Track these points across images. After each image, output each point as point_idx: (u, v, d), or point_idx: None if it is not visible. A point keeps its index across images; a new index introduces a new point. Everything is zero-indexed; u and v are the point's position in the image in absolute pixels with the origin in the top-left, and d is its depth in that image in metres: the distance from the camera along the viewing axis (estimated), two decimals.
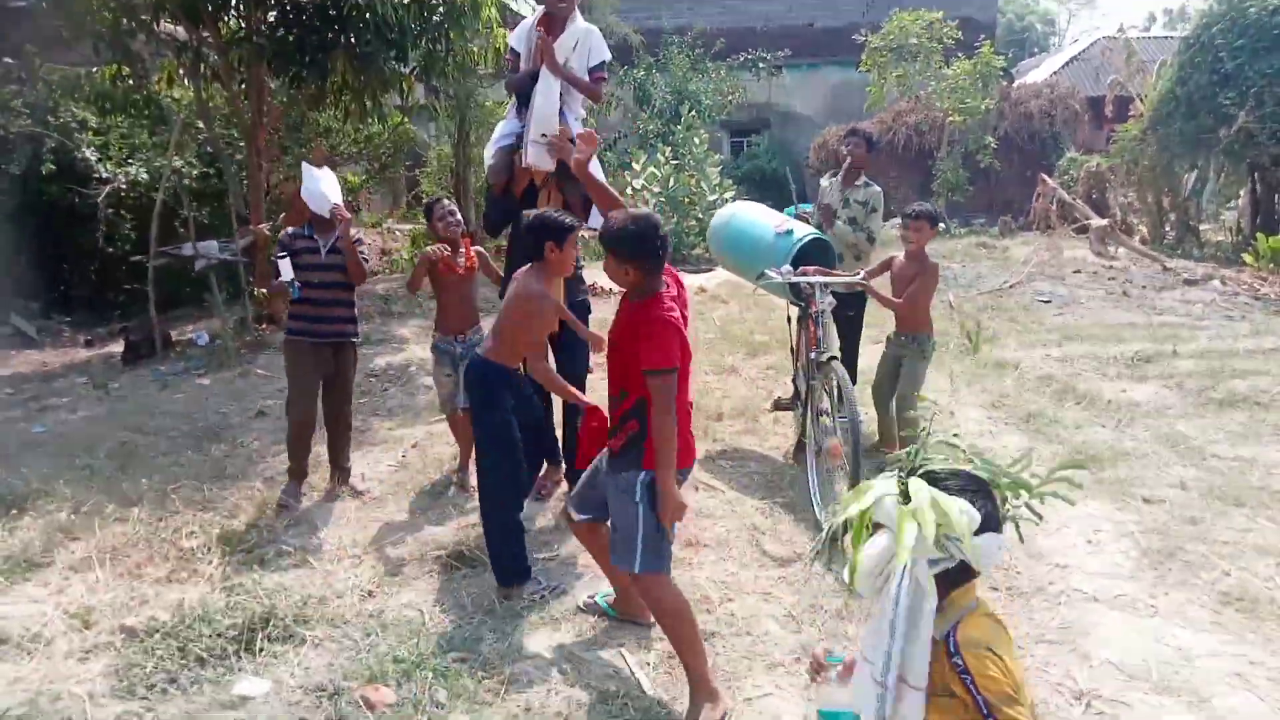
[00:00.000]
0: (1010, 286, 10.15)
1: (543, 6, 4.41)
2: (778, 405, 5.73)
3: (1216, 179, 15.40)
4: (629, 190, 13.68)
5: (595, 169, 4.06)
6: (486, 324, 4.39)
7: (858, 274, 4.90)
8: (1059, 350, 7.30)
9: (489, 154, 4.62)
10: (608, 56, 4.35)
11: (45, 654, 3.22)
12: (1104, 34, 26.80)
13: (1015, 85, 21.59)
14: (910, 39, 15.97)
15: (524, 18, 6.11)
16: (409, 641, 3.27)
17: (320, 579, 3.83)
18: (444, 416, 5.15)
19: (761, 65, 20.13)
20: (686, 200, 13.26)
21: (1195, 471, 4.78)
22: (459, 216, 4.81)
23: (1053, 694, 2.97)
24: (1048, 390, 6.25)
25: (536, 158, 4.28)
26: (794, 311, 5.22)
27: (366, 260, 4.58)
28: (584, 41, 4.25)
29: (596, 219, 4.24)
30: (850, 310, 5.39)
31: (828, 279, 4.77)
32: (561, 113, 4.24)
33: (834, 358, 4.47)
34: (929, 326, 4.98)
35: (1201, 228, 15.21)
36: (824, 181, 5.98)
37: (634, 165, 13.73)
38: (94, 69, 9.16)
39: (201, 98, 8.76)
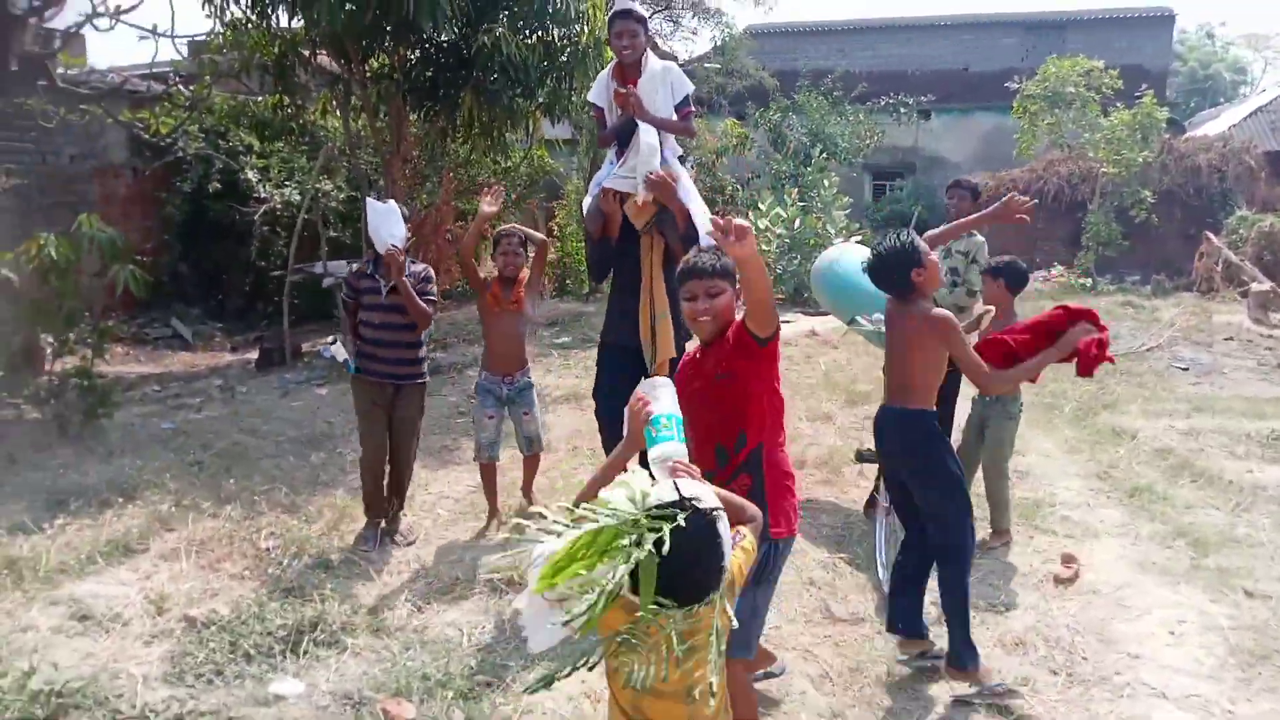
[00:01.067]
0: (1147, 350, 9.48)
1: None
2: (860, 457, 5.56)
3: None
4: (756, 229, 13.67)
5: (689, 199, 4.12)
6: (538, 365, 4.35)
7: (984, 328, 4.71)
8: (1185, 422, 6.76)
9: (587, 201, 4.49)
10: (691, 89, 4.24)
11: (120, 634, 3.51)
12: None
13: (1184, 138, 20.29)
14: (1066, 87, 15.25)
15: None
16: (441, 660, 3.37)
17: (376, 589, 4.01)
18: (482, 461, 4.75)
19: (904, 109, 19.68)
20: (811, 242, 13.11)
21: None
22: (523, 252, 4.66)
23: None
24: (1162, 464, 5.80)
25: (625, 187, 4.14)
26: None
27: (433, 301, 4.43)
28: (664, 80, 4.15)
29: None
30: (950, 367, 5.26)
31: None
32: (665, 155, 4.16)
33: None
34: (1015, 387, 4.70)
35: None
36: (929, 233, 5.85)
37: (760, 205, 13.71)
38: (259, 98, 9.99)
39: (349, 127, 9.40)
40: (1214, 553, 4.47)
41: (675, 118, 4.23)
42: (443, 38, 7.86)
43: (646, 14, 4.24)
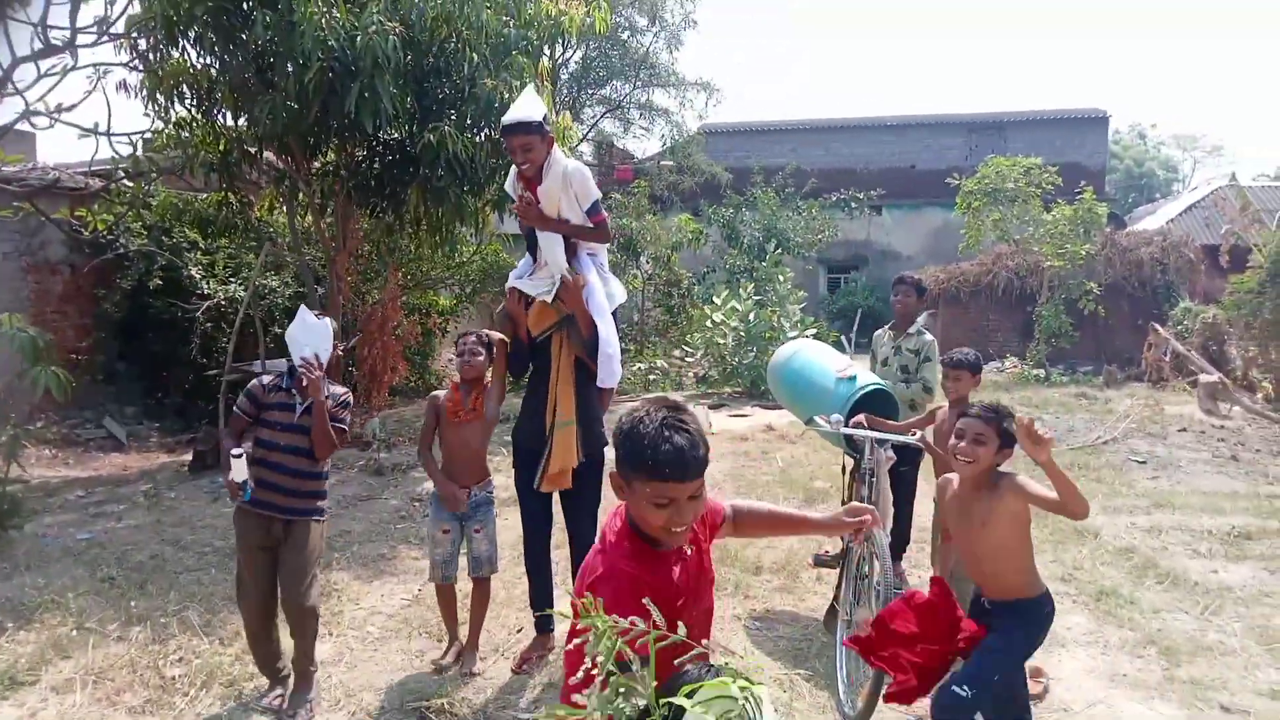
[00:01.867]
0: (1104, 443, 9.45)
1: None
2: (819, 561, 5.32)
3: None
4: (709, 324, 13.69)
5: (594, 307, 4.00)
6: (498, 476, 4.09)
7: (915, 433, 4.49)
8: (1147, 519, 6.64)
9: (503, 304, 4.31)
10: (596, 196, 3.97)
11: None
12: (1225, 183, 25.97)
13: (1125, 232, 20.98)
14: (1007, 184, 15.73)
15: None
16: None
17: None
18: (431, 582, 4.37)
19: (854, 204, 20.19)
20: (767, 335, 13.12)
21: None
22: (482, 355, 4.17)
23: None
24: (1126, 564, 5.64)
25: (535, 291, 4.02)
26: (849, 461, 4.85)
27: (343, 430, 3.78)
28: (568, 187, 3.86)
29: (604, 372, 4.07)
30: (904, 465, 5.08)
31: (879, 433, 4.46)
32: (577, 256, 4.04)
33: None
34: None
35: None
36: (878, 332, 5.79)
37: (715, 299, 13.74)
38: (203, 195, 9.84)
39: (295, 224, 9.26)
40: (1186, 663, 4.27)
41: (587, 221, 3.98)
42: (389, 135, 7.81)
43: (541, 117, 3.83)
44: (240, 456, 3.57)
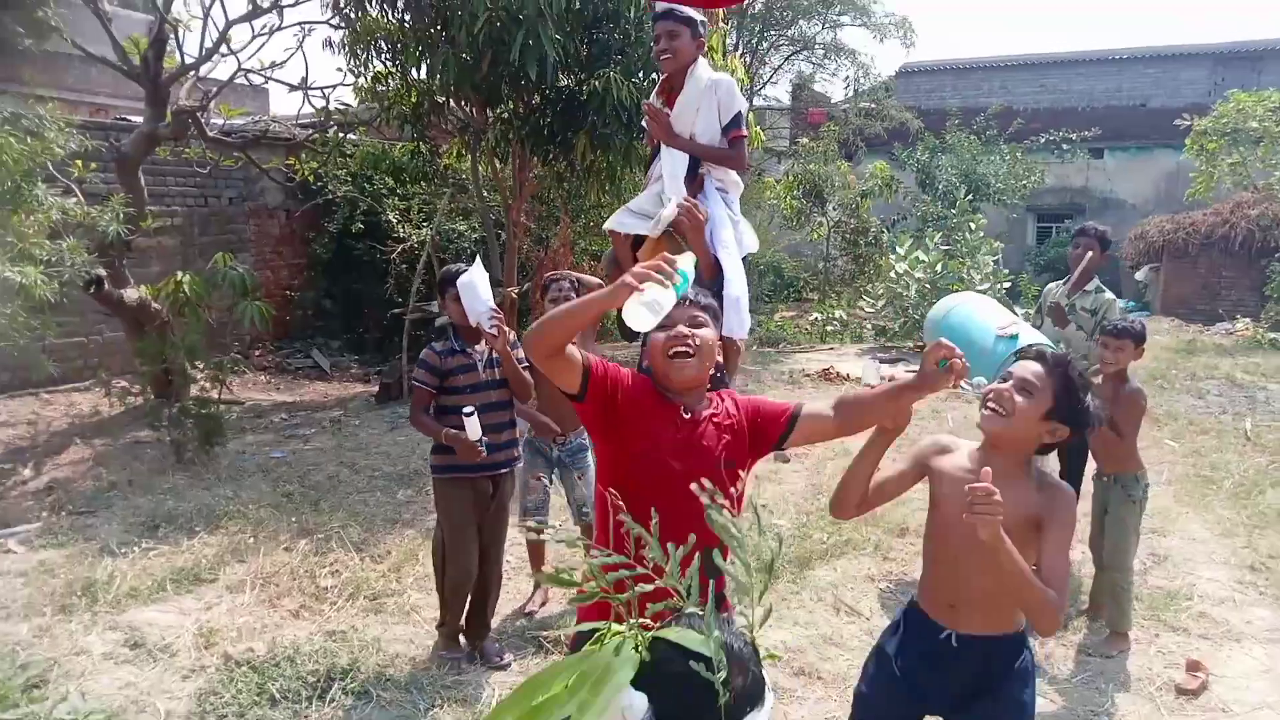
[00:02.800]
0: None
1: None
2: None
3: None
4: (891, 275, 13.11)
5: (721, 249, 3.40)
6: None
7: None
8: None
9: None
10: (743, 107, 3.50)
11: (164, 664, 3.58)
12: None
13: None
14: (1250, 122, 13.84)
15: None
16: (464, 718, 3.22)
17: (421, 640, 3.91)
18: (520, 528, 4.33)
19: (1065, 147, 18.49)
20: (954, 287, 12.38)
21: None
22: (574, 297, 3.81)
23: None
24: None
25: (635, 228, 3.45)
26: None
27: (529, 367, 3.60)
28: (709, 97, 3.42)
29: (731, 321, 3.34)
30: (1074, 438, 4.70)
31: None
32: (704, 187, 3.46)
33: None
34: (1137, 465, 4.07)
35: None
36: (1050, 286, 5.31)
37: (899, 249, 13.13)
38: (399, 144, 10.48)
39: (476, 171, 9.69)
40: None
41: (723, 141, 3.47)
42: (560, 84, 7.95)
43: (698, 16, 3.47)
44: (472, 414, 3.43)
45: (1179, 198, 20.17)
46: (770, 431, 2.17)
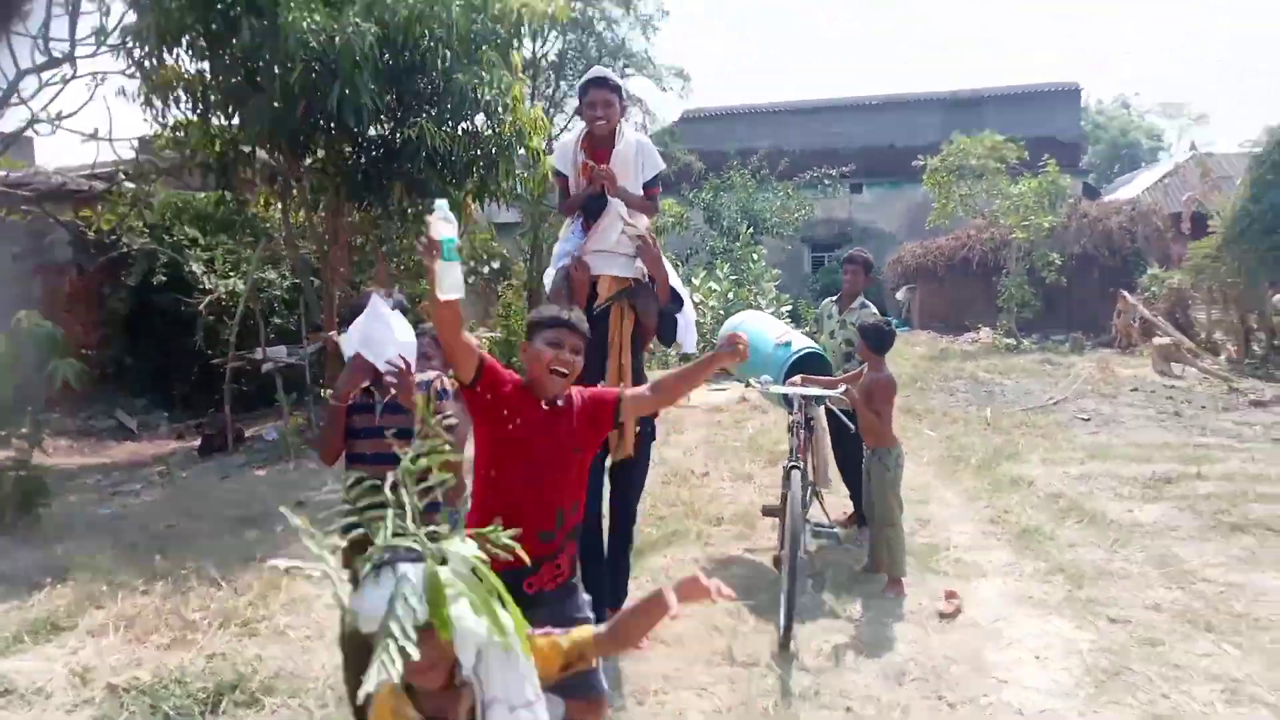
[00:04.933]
0: (1055, 403, 10.03)
1: (583, 124, 4.12)
2: (767, 511, 5.82)
3: None
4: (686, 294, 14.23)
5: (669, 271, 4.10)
6: None
7: (839, 387, 4.99)
8: (1079, 469, 7.22)
9: (549, 276, 4.30)
10: (662, 168, 4.13)
11: (43, 705, 3.68)
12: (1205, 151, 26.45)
13: (1094, 203, 21.53)
14: (971, 160, 16.25)
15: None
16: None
17: (299, 654, 4.19)
18: None
19: (828, 183, 20.68)
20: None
21: (1177, 594, 4.71)
22: (436, 356, 3.53)
23: None
24: (1053, 508, 6.22)
25: (611, 267, 4.00)
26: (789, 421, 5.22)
27: (455, 425, 3.10)
28: (638, 158, 4.02)
29: (686, 338, 4.25)
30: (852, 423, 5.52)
31: (805, 390, 4.92)
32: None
33: (795, 468, 4.57)
34: (891, 440, 4.98)
35: None
36: (825, 303, 6.33)
37: (694, 280, 14.30)
38: (202, 194, 10.35)
39: (289, 220, 9.78)
40: (1088, 585, 4.84)
41: (642, 194, 4.08)
42: (371, 132, 8.30)
43: (620, 82, 4.02)
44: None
45: (924, 225, 23.02)
46: (604, 415, 2.67)
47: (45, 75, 8.39)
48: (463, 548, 1.64)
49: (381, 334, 3.11)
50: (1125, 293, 16.69)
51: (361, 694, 1.51)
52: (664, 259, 4.18)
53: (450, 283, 2.32)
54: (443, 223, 2.33)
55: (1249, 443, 8.01)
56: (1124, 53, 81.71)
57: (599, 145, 3.98)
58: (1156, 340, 13.07)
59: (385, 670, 1.46)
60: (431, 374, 3.34)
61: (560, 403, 2.62)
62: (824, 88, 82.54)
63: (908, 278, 22.58)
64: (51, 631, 4.36)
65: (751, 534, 5.97)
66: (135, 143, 9.44)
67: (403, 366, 3.10)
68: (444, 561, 1.61)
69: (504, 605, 1.64)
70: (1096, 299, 18.32)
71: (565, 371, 2.56)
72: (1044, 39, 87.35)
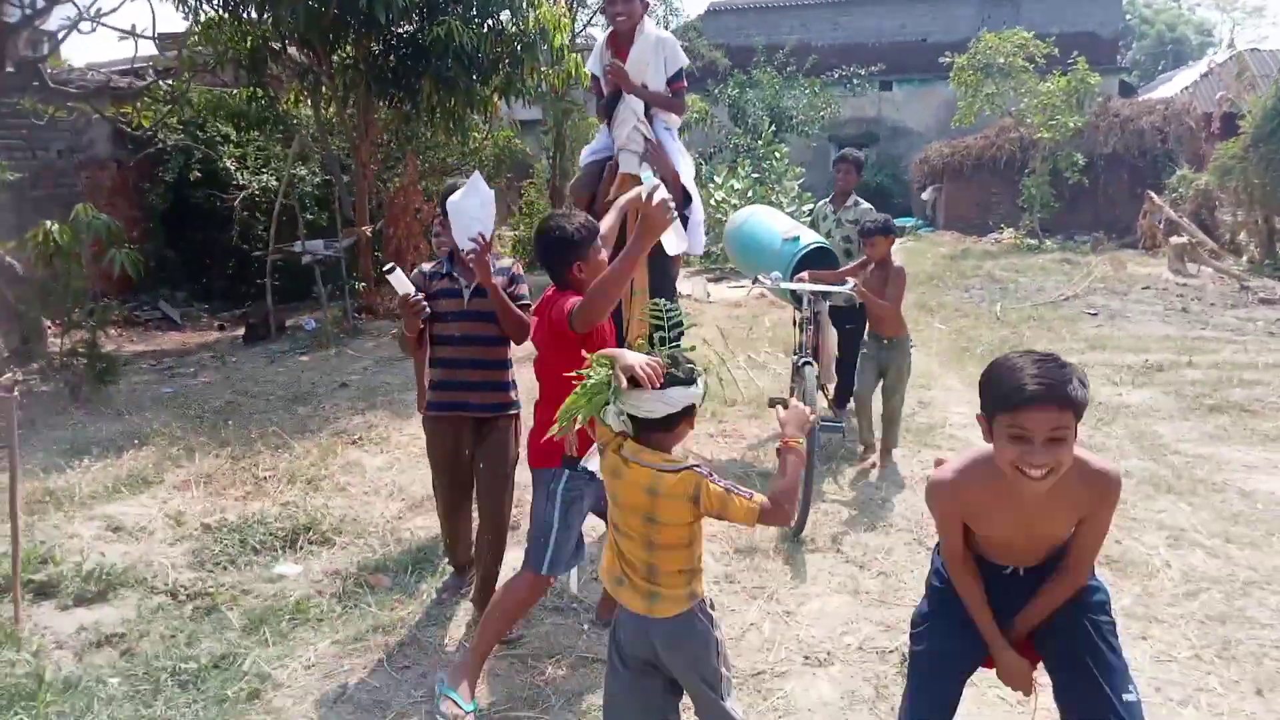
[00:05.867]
0: (1065, 299, 10.33)
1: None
2: (773, 403, 5.99)
3: None
4: (711, 202, 14.45)
5: (680, 162, 4.13)
6: None
7: (846, 282, 4.99)
8: (1079, 358, 7.59)
9: (578, 175, 4.45)
10: (685, 63, 4.18)
11: (148, 540, 4.28)
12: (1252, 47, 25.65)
13: (1125, 101, 21.15)
14: (998, 58, 16.04)
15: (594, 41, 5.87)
16: (411, 552, 4.16)
17: (360, 505, 4.78)
18: None
19: (856, 81, 20.44)
20: None
21: (1148, 464, 5.16)
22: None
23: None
24: None
25: (626, 164, 4.16)
26: (798, 315, 5.29)
27: (526, 306, 3.35)
28: (657, 53, 4.06)
29: (694, 238, 4.23)
30: (850, 323, 5.70)
31: (815, 286, 4.92)
32: (653, 125, 4.16)
33: (808, 363, 4.65)
34: (904, 329, 5.25)
35: None
36: (819, 204, 6.46)
37: (715, 179, 14.46)
38: (234, 90, 10.63)
39: (320, 116, 10.07)
40: None
41: (667, 90, 4.15)
42: (400, 29, 8.53)
43: None
44: (393, 270, 3.34)
45: (951, 125, 22.76)
46: (559, 323, 2.78)
47: None
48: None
49: (473, 210, 3.20)
50: (1152, 193, 16.65)
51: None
52: (686, 155, 4.25)
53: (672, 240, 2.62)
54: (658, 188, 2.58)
55: (1246, 336, 8.33)
56: None
57: (622, 43, 4.09)
58: (1173, 240, 13.21)
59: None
60: (508, 261, 3.49)
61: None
62: None
63: (934, 177, 22.45)
64: (142, 485, 4.96)
65: (761, 414, 6.44)
66: (156, 39, 9.64)
67: (482, 245, 3.16)
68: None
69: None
70: (1125, 199, 18.27)
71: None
72: None
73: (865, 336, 5.45)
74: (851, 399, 5.69)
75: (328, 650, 3.33)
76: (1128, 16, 44.19)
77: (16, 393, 3.50)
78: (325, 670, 3.21)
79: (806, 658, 3.30)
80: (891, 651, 3.32)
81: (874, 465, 5.32)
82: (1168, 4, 50.80)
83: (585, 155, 4.38)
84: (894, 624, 3.51)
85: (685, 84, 4.27)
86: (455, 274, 3.42)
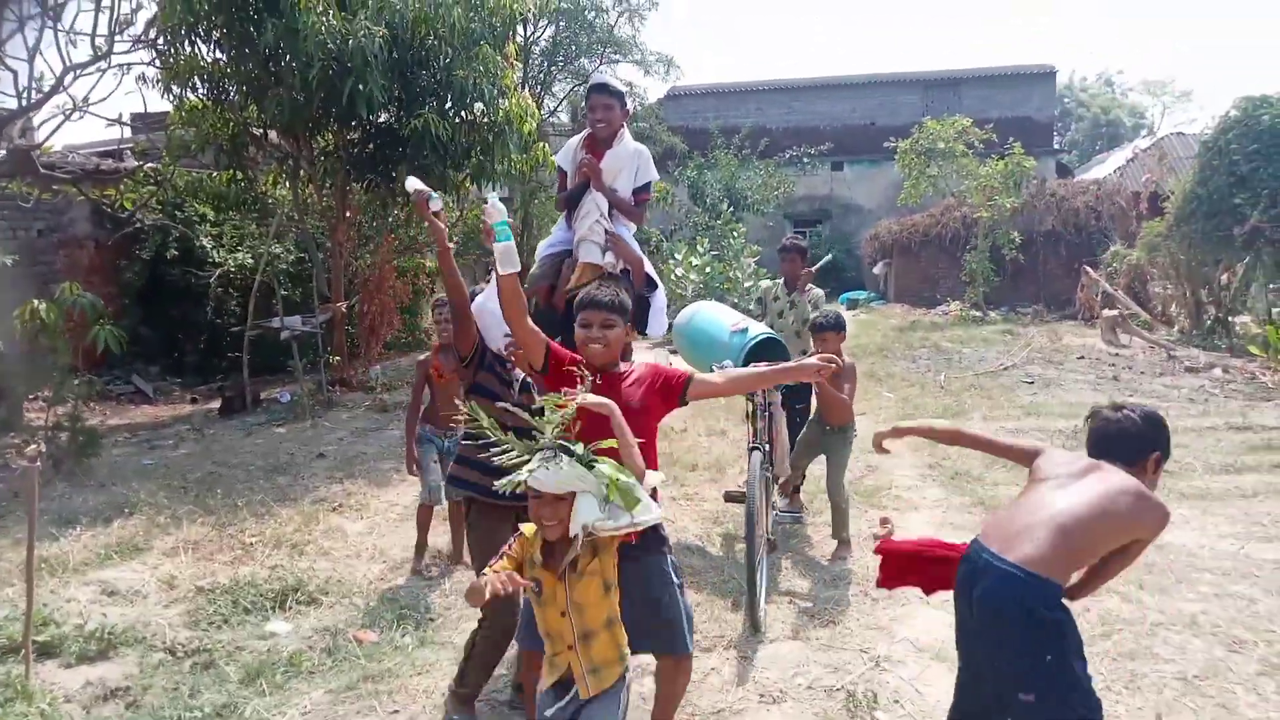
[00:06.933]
0: (1005, 369, 10.96)
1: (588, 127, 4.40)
2: (728, 497, 5.33)
3: (1245, 274, 15.84)
4: (671, 277, 15.07)
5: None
6: None
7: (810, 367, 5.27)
8: (1015, 424, 8.15)
9: (534, 268, 4.41)
10: (655, 178, 4.35)
11: (143, 602, 4.52)
12: (1172, 131, 27.34)
13: (1062, 181, 22.44)
14: (940, 143, 17.11)
15: (561, 135, 6.34)
16: (394, 608, 4.45)
17: (343, 567, 5.06)
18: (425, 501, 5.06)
19: (807, 161, 21.50)
20: (724, 286, 14.52)
21: None
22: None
23: (856, 658, 3.94)
24: (984, 456, 7.11)
25: (588, 254, 4.22)
26: (750, 405, 5.22)
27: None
28: (632, 163, 4.25)
29: (654, 323, 4.32)
30: (799, 403, 5.78)
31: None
32: (617, 227, 4.27)
33: (755, 449, 4.71)
34: (851, 417, 5.37)
35: (1242, 320, 15.46)
36: (766, 284, 6.70)
37: (676, 255, 15.11)
38: (213, 173, 11.07)
39: (298, 197, 10.53)
40: (998, 508, 5.74)
41: (631, 200, 4.28)
42: (380, 121, 9.07)
43: (622, 89, 4.31)
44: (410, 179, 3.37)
45: (897, 204, 23.89)
46: (672, 391, 2.94)
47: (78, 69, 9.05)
48: (604, 465, 2.42)
49: (498, 311, 3.11)
50: (1089, 268, 17.63)
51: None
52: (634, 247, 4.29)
53: (507, 259, 2.65)
54: (495, 210, 2.69)
55: (1170, 402, 8.96)
56: (1107, 31, 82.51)
57: (599, 147, 4.24)
58: (1105, 312, 14.03)
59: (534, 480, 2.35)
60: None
61: (621, 369, 2.95)
62: (806, 67, 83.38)
63: (884, 252, 23.46)
64: (133, 551, 5.20)
65: (720, 479, 6.85)
66: (133, 124, 10.07)
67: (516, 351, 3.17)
68: (590, 466, 2.40)
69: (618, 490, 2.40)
70: (1063, 274, 19.28)
71: (599, 345, 2.86)
72: (1027, 17, 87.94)
73: (810, 418, 5.57)
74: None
75: (322, 699, 3.61)
76: (1065, 100, 46.76)
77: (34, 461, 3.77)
78: (321, 717, 3.49)
79: (761, 695, 3.64)
80: (838, 690, 3.68)
81: (834, 557, 5.27)
82: (1101, 88, 53.73)
83: (543, 249, 4.43)
84: (840, 665, 3.88)
85: (650, 197, 4.42)
86: (500, 366, 3.43)
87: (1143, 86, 54.02)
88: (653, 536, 2.82)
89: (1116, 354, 12.31)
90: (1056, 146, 30.13)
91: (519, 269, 2.75)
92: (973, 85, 28.74)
